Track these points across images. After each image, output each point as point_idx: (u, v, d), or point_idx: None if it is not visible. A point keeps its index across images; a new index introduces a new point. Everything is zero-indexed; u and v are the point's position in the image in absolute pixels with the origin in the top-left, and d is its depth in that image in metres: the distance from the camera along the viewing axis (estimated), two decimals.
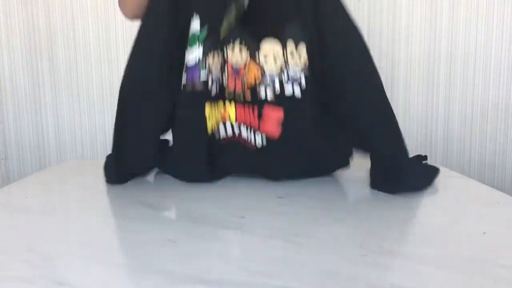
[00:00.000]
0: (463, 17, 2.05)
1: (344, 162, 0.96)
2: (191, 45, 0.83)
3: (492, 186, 2.16)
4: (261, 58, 0.84)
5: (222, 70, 0.86)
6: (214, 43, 0.84)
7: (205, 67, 0.83)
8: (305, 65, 0.82)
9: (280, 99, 0.83)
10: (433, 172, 0.93)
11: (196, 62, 0.83)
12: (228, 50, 0.85)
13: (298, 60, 0.81)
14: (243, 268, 0.56)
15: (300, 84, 0.82)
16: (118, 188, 0.94)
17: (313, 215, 0.76)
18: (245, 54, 0.84)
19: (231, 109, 0.87)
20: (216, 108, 0.86)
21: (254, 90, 0.85)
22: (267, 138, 0.84)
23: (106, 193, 0.92)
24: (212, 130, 0.87)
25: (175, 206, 0.82)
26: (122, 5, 1.01)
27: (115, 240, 0.68)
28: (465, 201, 0.83)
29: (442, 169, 1.01)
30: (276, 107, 0.82)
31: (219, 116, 0.87)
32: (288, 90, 0.82)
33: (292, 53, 0.82)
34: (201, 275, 0.54)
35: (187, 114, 0.86)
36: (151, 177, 1.02)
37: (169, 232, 0.69)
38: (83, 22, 1.98)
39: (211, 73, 0.84)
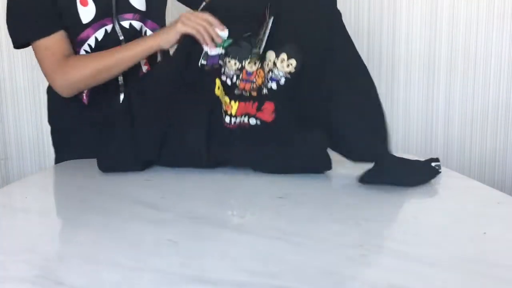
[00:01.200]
0: (463, 17, 2.05)
1: (326, 164, 1.00)
2: (217, 46, 1.07)
3: (493, 184, 2.17)
4: (265, 65, 1.06)
5: (237, 73, 1.07)
6: (233, 53, 1.08)
7: (223, 61, 1.08)
8: (289, 72, 1.03)
9: (271, 93, 1.04)
10: (431, 173, 0.94)
11: (217, 54, 1.07)
12: (245, 62, 1.08)
13: (285, 67, 1.03)
14: (243, 268, 0.56)
15: (278, 82, 1.03)
16: (118, 188, 0.94)
17: (313, 215, 0.76)
18: (257, 64, 1.07)
19: (234, 105, 1.05)
20: (222, 92, 1.07)
21: (259, 89, 1.06)
22: (261, 121, 1.03)
23: (106, 193, 0.92)
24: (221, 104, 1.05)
25: (175, 206, 0.82)
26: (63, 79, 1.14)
27: (115, 240, 0.68)
28: (465, 201, 0.83)
29: (443, 169, 1.01)
30: (270, 102, 1.03)
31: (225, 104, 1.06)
32: (270, 85, 1.04)
33: (282, 61, 1.03)
34: (201, 275, 0.54)
35: (202, 82, 1.06)
36: (151, 176, 1.02)
37: (169, 232, 0.69)
38: None
39: (227, 68, 1.08)
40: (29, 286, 0.53)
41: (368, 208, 0.79)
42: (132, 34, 1.18)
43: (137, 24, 1.19)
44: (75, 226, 0.74)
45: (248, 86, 1.07)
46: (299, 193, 0.87)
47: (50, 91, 1.24)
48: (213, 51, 1.07)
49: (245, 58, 1.08)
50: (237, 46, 1.08)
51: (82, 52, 1.15)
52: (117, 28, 1.16)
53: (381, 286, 0.51)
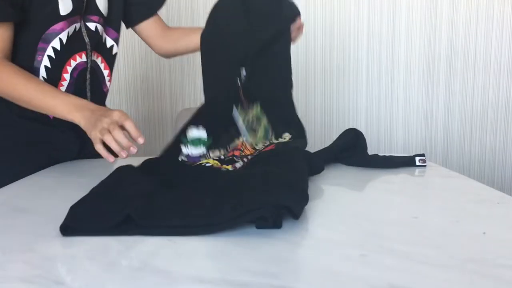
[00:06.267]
0: (463, 17, 2.05)
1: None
2: (195, 145, 1.03)
3: (492, 183, 2.17)
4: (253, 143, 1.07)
5: (223, 153, 1.05)
6: (217, 147, 1.05)
7: (207, 158, 1.03)
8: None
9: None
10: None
11: (199, 155, 1.02)
12: (229, 146, 1.06)
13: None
14: (243, 268, 0.56)
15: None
16: None
17: (313, 215, 0.76)
18: (240, 138, 1.07)
19: (228, 167, 0.99)
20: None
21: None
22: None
23: None
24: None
25: None
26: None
27: (115, 240, 0.68)
28: (465, 201, 0.83)
29: (442, 169, 1.01)
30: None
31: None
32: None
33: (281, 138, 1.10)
34: (201, 275, 0.54)
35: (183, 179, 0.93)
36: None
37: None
38: None
39: (212, 155, 1.03)
40: (29, 286, 0.53)
41: (368, 208, 0.79)
42: (96, 38, 1.16)
43: (100, 28, 1.16)
44: None
45: (237, 153, 1.04)
46: None
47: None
48: (194, 152, 1.02)
49: (228, 143, 1.06)
50: (218, 141, 1.05)
51: (45, 57, 1.07)
52: (83, 28, 1.12)
53: (381, 286, 0.51)
